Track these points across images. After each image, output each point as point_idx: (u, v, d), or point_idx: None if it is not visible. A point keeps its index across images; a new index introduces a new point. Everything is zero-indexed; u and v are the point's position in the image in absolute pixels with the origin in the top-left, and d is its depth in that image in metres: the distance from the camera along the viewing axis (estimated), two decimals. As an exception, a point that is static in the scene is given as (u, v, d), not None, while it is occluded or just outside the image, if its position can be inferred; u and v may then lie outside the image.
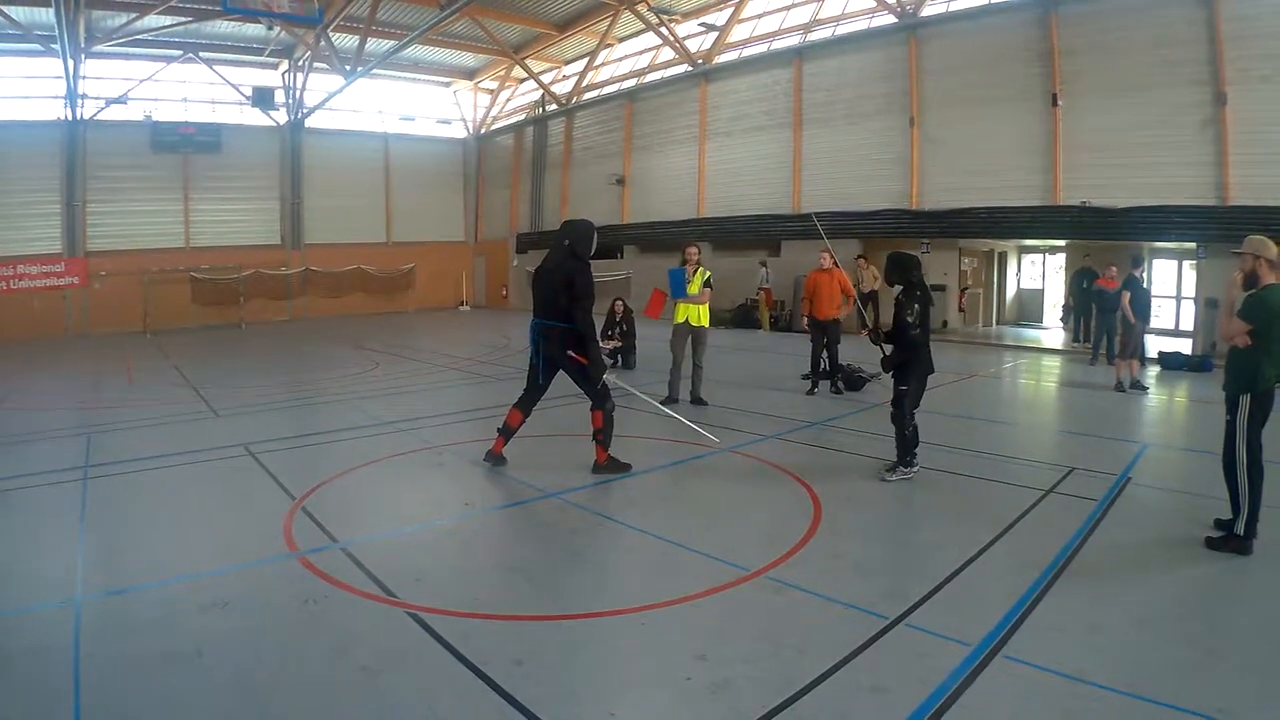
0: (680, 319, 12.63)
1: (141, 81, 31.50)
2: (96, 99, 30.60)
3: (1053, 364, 17.96)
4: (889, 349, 8.70)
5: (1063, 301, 22.15)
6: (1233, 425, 6.37)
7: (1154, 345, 15.73)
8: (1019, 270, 28.16)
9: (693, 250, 12.86)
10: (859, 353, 15.71)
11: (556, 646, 4.76)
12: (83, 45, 27.74)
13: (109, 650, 4.69)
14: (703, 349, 12.74)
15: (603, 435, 8.49)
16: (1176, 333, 20.63)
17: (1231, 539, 6.29)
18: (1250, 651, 4.63)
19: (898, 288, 8.49)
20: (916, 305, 8.29)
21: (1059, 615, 5.06)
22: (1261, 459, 6.29)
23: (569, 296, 8.22)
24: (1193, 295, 20.03)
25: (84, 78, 29.50)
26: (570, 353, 8.35)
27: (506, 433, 8.87)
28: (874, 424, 11.14)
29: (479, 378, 16.40)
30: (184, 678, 4.37)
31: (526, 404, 8.81)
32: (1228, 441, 6.40)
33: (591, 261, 8.54)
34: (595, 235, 8.66)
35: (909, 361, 8.40)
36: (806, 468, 8.74)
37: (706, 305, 12.71)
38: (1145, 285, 14.81)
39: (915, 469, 8.46)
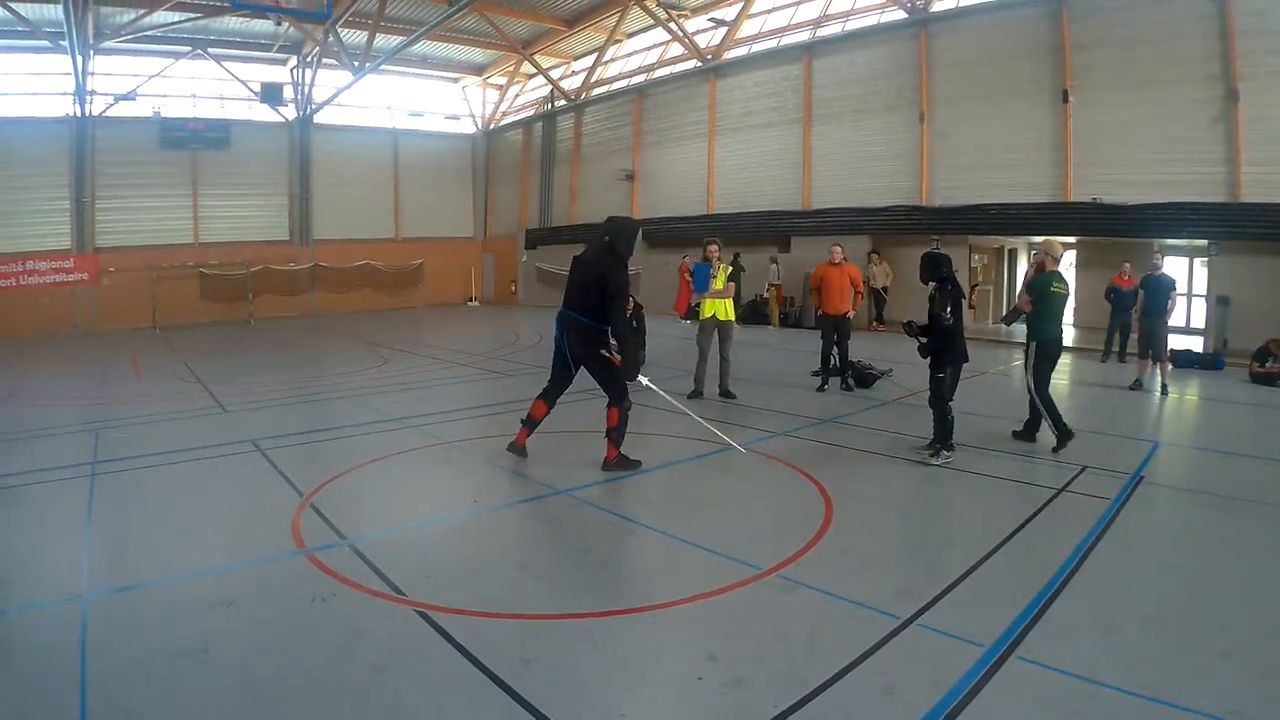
0: (707, 314, 12.75)
1: (150, 78, 31.46)
2: (105, 95, 30.55)
3: (1063, 361, 17.84)
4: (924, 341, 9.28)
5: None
6: (1025, 365, 9.91)
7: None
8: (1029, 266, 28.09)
9: (713, 247, 12.90)
10: (870, 349, 15.73)
11: (566, 645, 4.73)
12: (91, 42, 27.65)
13: (115, 648, 4.67)
14: (729, 343, 12.87)
15: (615, 433, 8.44)
16: (1188, 330, 20.52)
17: (1026, 435, 9.89)
18: (1265, 653, 4.60)
19: (931, 284, 9.07)
20: (949, 300, 8.88)
21: (1072, 616, 5.02)
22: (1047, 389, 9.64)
23: (601, 294, 8.19)
24: (1204, 292, 19.95)
25: (92, 74, 29.40)
26: (604, 352, 8.32)
27: (530, 424, 8.86)
28: (885, 421, 11.14)
29: (487, 374, 16.38)
30: (191, 676, 4.35)
31: (551, 395, 8.82)
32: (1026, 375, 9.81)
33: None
34: (638, 236, 8.66)
35: (942, 350, 8.96)
36: (817, 465, 8.71)
37: (731, 300, 12.88)
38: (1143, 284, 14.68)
39: (954, 453, 8.91)
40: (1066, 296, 10.07)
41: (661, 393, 9.82)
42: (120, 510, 7.55)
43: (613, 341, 8.40)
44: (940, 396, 8.94)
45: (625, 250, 8.43)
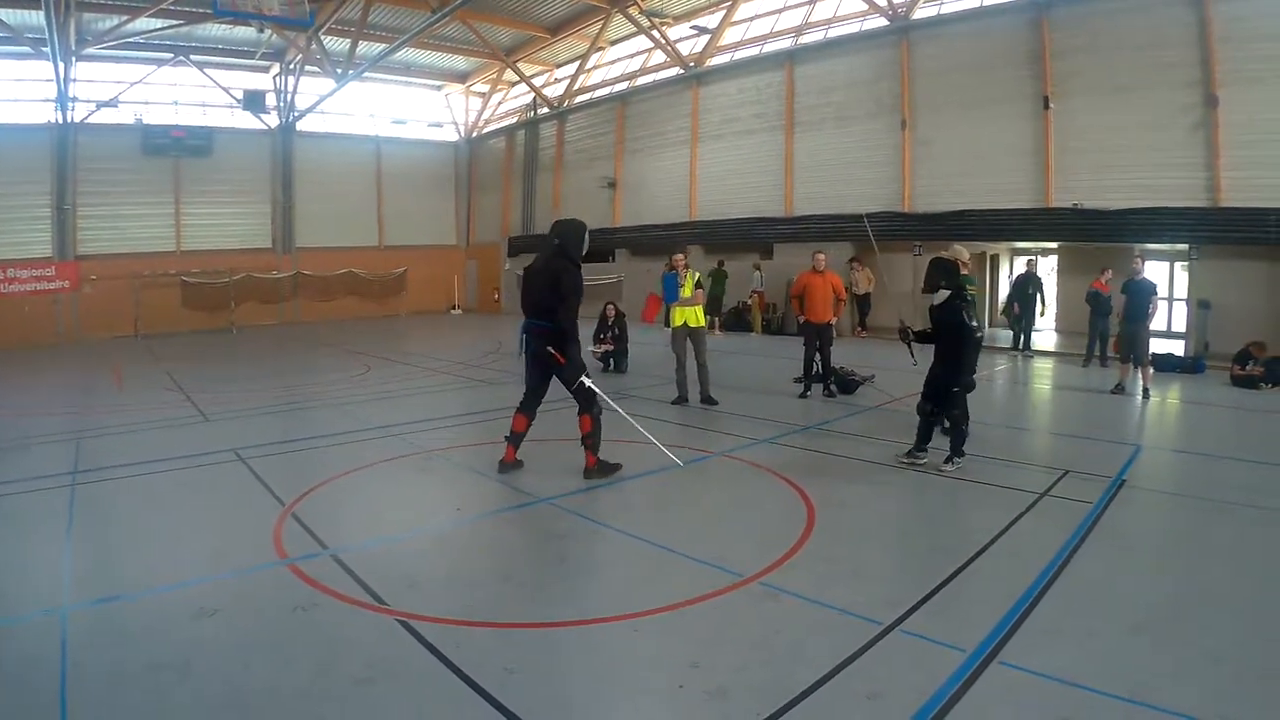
0: (678, 322, 12.90)
1: (132, 84, 31.38)
2: (87, 102, 30.41)
3: (1045, 366, 17.94)
4: (918, 350, 9.54)
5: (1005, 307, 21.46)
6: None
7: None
8: (1011, 272, 28.11)
9: (679, 257, 13.13)
10: (852, 355, 15.74)
11: (548, 654, 4.73)
12: (73, 48, 27.50)
13: (96, 660, 4.64)
14: (703, 348, 12.97)
15: (591, 440, 8.43)
16: (1169, 334, 20.62)
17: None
18: (1249, 656, 4.61)
19: (944, 293, 8.85)
20: (970, 308, 8.76)
21: (1055, 620, 5.03)
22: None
23: (555, 296, 8.15)
24: (1185, 297, 20.04)
25: (74, 80, 29.22)
26: (550, 349, 8.27)
27: (514, 439, 8.82)
28: (867, 427, 11.15)
29: (470, 382, 16.36)
30: (172, 688, 4.32)
31: (529, 407, 8.78)
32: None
33: (583, 263, 8.51)
34: (587, 235, 8.63)
35: (966, 364, 8.84)
36: (799, 471, 8.72)
37: (701, 306, 12.99)
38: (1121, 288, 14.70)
39: (965, 458, 8.91)
40: (975, 299, 10.47)
41: (602, 395, 9.84)
42: (101, 521, 7.51)
43: (591, 348, 8.42)
44: (957, 407, 8.90)
45: (576, 251, 8.43)
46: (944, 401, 8.91)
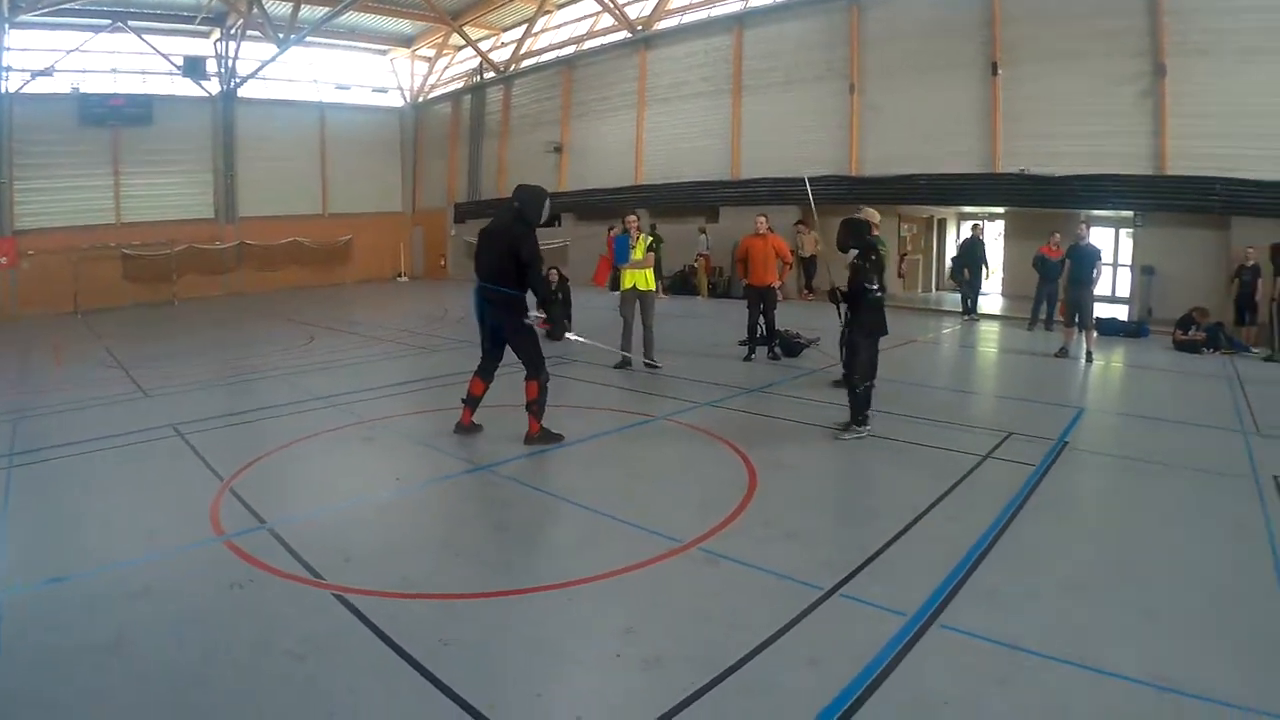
0: (628, 285, 12.88)
1: (68, 53, 30.49)
2: (21, 71, 29.55)
3: (991, 329, 18.09)
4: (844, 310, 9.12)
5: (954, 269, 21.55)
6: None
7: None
8: (958, 236, 28.28)
9: (632, 218, 13.06)
10: (798, 318, 15.76)
11: (484, 625, 4.67)
12: (6, 15, 26.85)
13: (28, 641, 4.56)
14: (651, 312, 12.95)
15: (536, 406, 8.41)
16: (1113, 299, 20.87)
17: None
18: (1186, 615, 4.67)
19: (852, 252, 8.76)
20: (877, 270, 8.68)
21: (995, 582, 5.06)
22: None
23: (517, 263, 8.20)
24: (1129, 262, 20.27)
25: (8, 50, 28.44)
26: (528, 318, 8.40)
27: (471, 402, 8.83)
28: (811, 390, 11.16)
29: (414, 350, 16.21)
30: (106, 668, 4.24)
31: (486, 371, 8.79)
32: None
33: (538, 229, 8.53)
34: (548, 203, 8.71)
35: (864, 323, 8.70)
36: (742, 435, 8.73)
37: (651, 269, 12.97)
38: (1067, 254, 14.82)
39: (867, 429, 8.69)
40: (886, 258, 10.73)
41: (592, 342, 9.79)
42: (37, 503, 7.30)
43: (533, 314, 8.44)
44: (853, 372, 8.75)
45: (535, 217, 8.46)
46: (851, 361, 8.85)
